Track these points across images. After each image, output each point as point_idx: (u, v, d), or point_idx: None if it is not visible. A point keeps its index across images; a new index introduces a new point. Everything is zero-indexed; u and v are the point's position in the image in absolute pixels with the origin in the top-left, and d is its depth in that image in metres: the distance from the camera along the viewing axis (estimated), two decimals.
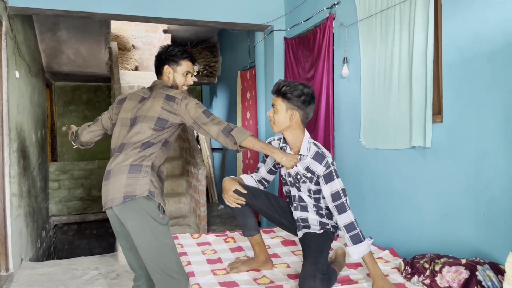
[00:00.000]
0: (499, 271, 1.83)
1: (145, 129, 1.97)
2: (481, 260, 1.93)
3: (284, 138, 2.23)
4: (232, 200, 2.21)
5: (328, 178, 2.09)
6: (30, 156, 4.58)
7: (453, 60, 2.21)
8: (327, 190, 2.09)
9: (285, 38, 4.13)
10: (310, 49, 3.62)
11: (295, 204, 2.30)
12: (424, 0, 2.34)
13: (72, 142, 2.30)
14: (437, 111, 2.35)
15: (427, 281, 2.00)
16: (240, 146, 2.00)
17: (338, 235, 2.33)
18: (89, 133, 2.24)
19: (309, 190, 2.20)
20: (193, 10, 3.95)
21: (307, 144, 2.15)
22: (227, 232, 3.08)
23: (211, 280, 2.17)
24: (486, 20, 2.00)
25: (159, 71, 2.16)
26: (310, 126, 3.61)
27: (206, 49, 7.18)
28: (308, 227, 2.26)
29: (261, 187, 2.42)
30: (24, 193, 4.19)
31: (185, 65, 2.13)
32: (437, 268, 1.99)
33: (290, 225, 2.36)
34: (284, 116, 2.10)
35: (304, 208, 2.26)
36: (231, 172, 6.28)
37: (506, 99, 1.92)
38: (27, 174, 4.40)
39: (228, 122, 2.03)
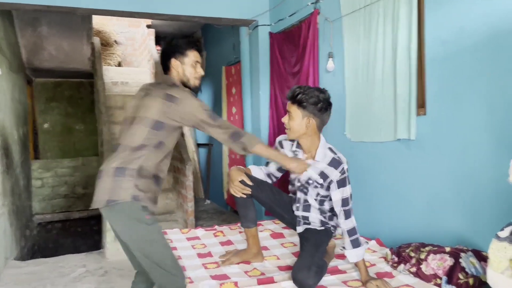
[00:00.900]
0: (482, 257, 1.90)
1: (140, 131, 1.89)
2: (465, 248, 2.00)
3: (298, 142, 2.21)
4: (238, 190, 2.22)
5: (341, 183, 2.11)
6: (13, 154, 4.51)
7: (437, 54, 2.27)
8: (337, 194, 2.11)
9: (270, 33, 4.14)
10: (296, 44, 3.65)
11: (298, 205, 2.31)
12: None
13: None
14: (421, 104, 2.41)
15: (413, 269, 2.06)
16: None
17: (335, 235, 2.37)
18: None
19: (317, 194, 2.22)
20: (177, 5, 3.92)
21: (323, 150, 2.14)
22: (216, 226, 3.10)
23: (203, 273, 2.19)
24: (470, 14, 2.06)
25: (166, 67, 2.05)
26: None
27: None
28: (309, 223, 2.30)
29: (269, 181, 2.41)
30: (7, 191, 4.12)
31: (192, 55, 2.02)
32: (422, 256, 2.06)
33: (291, 220, 2.39)
34: (300, 124, 2.09)
35: (307, 208, 2.29)
36: (217, 167, 6.29)
37: (489, 91, 1.98)
38: (10, 172, 4.32)
39: (235, 127, 2.02)
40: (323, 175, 2.14)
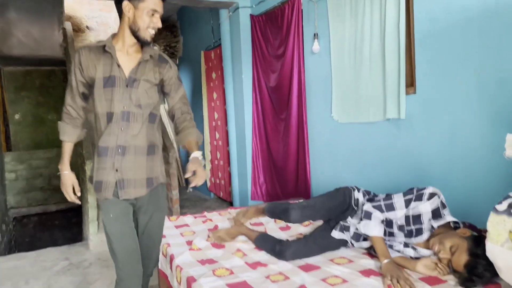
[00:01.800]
0: (477, 232, 1.93)
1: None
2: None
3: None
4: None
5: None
6: None
7: (426, 32, 2.26)
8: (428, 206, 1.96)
9: (252, 16, 4.06)
10: (279, 26, 3.59)
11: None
12: None
13: None
14: (410, 83, 2.41)
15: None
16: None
17: (353, 245, 2.24)
18: None
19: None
20: None
21: None
22: (205, 213, 3.05)
23: (190, 259, 2.14)
24: None
25: (119, 10, 1.74)
26: (283, 104, 3.62)
27: (166, 29, 6.95)
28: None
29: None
30: None
31: (150, 2, 1.68)
32: None
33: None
34: None
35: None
36: None
37: (480, 67, 2.00)
38: None
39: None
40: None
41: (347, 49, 2.85)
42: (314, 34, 3.15)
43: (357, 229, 2.16)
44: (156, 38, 6.84)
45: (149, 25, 1.71)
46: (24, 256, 3.82)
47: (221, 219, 2.90)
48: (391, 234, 2.03)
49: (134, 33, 1.73)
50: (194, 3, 4.17)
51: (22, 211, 6.26)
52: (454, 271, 1.75)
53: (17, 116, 7.23)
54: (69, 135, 1.86)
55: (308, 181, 3.41)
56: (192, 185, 1.77)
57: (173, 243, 2.44)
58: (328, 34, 3.03)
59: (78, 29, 7.10)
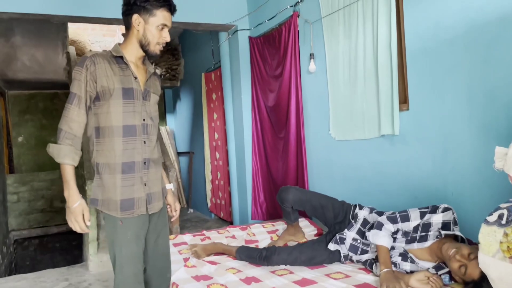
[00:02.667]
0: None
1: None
2: None
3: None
4: None
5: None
6: None
7: (416, 49, 2.33)
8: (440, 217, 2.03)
9: (250, 38, 4.17)
10: (276, 47, 3.68)
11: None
12: None
13: None
14: (403, 100, 2.46)
15: None
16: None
17: (351, 259, 2.27)
18: None
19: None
20: None
21: None
22: (204, 231, 3.06)
23: (185, 275, 2.15)
24: (447, 8, 2.13)
25: (127, 23, 1.70)
26: (282, 123, 3.67)
27: (168, 52, 7.10)
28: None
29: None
30: None
31: (161, 16, 1.67)
32: None
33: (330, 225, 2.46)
34: None
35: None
36: (199, 175, 6.24)
37: (467, 82, 2.05)
38: None
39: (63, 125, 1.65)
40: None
41: (342, 68, 2.91)
42: (310, 54, 3.23)
43: (354, 240, 2.18)
44: (158, 61, 6.98)
45: (159, 40, 1.70)
46: (24, 277, 3.81)
47: (219, 237, 2.91)
48: (393, 240, 2.05)
49: (143, 47, 1.70)
50: (194, 27, 4.27)
51: (23, 233, 6.26)
52: (464, 282, 1.75)
53: (20, 139, 7.31)
54: (73, 157, 1.61)
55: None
56: (173, 220, 1.87)
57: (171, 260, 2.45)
58: (323, 53, 3.11)
59: (82, 53, 7.25)
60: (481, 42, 1.97)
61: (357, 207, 2.37)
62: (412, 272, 1.93)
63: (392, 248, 2.03)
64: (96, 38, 7.89)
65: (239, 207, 4.50)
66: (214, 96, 5.34)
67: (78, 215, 1.61)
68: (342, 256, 2.22)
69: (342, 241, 2.22)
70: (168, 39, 1.72)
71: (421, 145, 2.34)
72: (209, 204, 5.71)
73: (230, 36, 4.40)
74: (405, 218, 2.03)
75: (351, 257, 2.21)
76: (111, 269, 1.90)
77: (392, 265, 1.96)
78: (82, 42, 7.46)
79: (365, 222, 2.26)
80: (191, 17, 4.05)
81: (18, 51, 5.30)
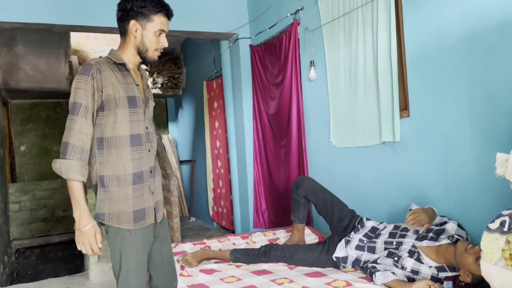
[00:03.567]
0: None
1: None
2: None
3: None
4: None
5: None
6: None
7: (416, 56, 2.32)
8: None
9: (251, 46, 4.18)
10: (277, 55, 3.69)
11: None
12: (385, 0, 2.45)
13: None
14: (404, 106, 2.45)
15: None
16: None
17: (344, 267, 2.30)
18: None
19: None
20: None
21: None
22: (205, 240, 3.04)
23: (180, 284, 2.13)
24: (446, 15, 2.12)
25: (123, 29, 1.65)
26: (283, 131, 3.66)
27: (170, 61, 7.14)
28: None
29: None
30: None
31: (158, 22, 1.63)
32: None
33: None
34: None
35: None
36: (201, 183, 6.23)
37: (468, 88, 2.04)
38: None
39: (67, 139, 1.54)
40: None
41: (342, 75, 2.91)
42: (311, 62, 3.23)
43: (361, 241, 2.24)
44: (160, 70, 7.01)
45: (157, 46, 1.66)
46: (25, 287, 3.79)
47: (220, 245, 2.89)
48: (402, 236, 2.11)
49: (141, 54, 1.65)
50: (196, 35, 4.29)
51: (25, 242, 6.23)
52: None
53: (22, 148, 7.32)
54: (83, 173, 1.52)
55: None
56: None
57: None
58: (324, 61, 3.11)
59: (84, 63, 7.30)
60: (481, 49, 1.96)
61: (365, 218, 2.45)
62: (412, 271, 1.95)
63: (400, 243, 2.06)
64: (99, 47, 7.94)
65: (241, 215, 4.48)
66: (215, 104, 5.35)
67: (92, 238, 1.52)
68: (341, 258, 2.26)
69: (348, 243, 2.27)
70: (166, 45, 1.68)
71: (422, 151, 2.33)
72: (211, 212, 5.69)
73: (231, 44, 4.42)
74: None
75: (353, 259, 2.23)
76: (112, 278, 1.89)
77: (395, 257, 2.01)
78: (85, 52, 7.50)
79: (373, 229, 2.31)
80: (192, 25, 4.07)
81: (20, 60, 5.33)
